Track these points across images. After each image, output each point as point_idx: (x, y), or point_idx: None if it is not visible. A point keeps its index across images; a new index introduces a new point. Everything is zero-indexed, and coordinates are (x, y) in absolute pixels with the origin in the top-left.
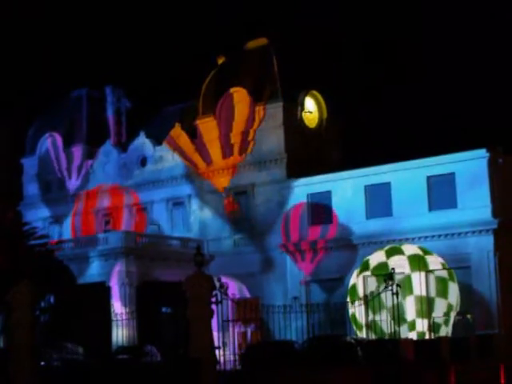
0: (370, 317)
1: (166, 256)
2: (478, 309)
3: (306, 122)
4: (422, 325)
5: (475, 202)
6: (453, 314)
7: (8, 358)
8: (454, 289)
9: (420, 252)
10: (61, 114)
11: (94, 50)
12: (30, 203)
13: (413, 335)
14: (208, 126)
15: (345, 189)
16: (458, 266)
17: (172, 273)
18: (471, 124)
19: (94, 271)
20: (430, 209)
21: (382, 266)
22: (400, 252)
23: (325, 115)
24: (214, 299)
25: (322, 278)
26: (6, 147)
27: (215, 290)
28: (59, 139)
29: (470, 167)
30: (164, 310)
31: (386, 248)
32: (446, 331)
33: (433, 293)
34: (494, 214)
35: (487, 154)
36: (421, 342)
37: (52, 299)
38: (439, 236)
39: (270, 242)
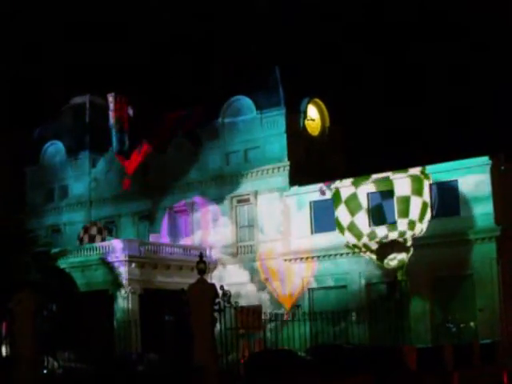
0: (349, 218)
1: (168, 264)
2: (480, 316)
3: (309, 129)
4: (402, 225)
5: (478, 210)
6: (427, 215)
7: (11, 367)
8: (427, 187)
9: None
10: (63, 121)
11: (97, 57)
12: (33, 211)
13: (394, 235)
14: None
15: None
16: (461, 273)
17: (175, 280)
18: (473, 131)
19: (96, 279)
20: (433, 216)
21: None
22: None
23: (327, 123)
24: (216, 307)
25: (325, 285)
26: (9, 155)
27: (218, 298)
28: (62, 147)
29: (472, 175)
30: (167, 317)
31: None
32: (420, 228)
33: (409, 191)
34: (497, 221)
35: (489, 162)
36: (424, 350)
37: (54, 307)
38: (442, 243)
39: (275, 249)
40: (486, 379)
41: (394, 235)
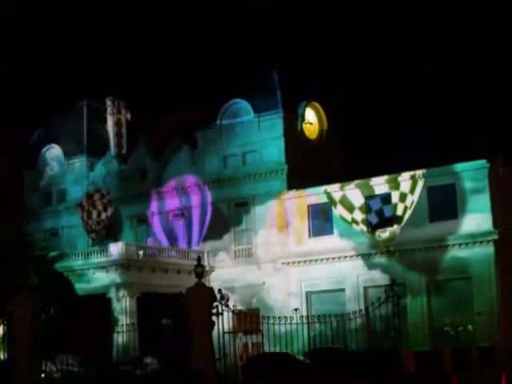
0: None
1: (166, 267)
2: (479, 319)
3: (307, 133)
4: (394, 196)
5: (476, 213)
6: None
7: (9, 370)
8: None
9: None
10: (61, 125)
11: (95, 61)
12: (31, 215)
13: (388, 209)
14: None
15: (342, 201)
16: (459, 276)
17: (173, 284)
18: (471, 135)
19: (94, 283)
20: (431, 220)
21: None
22: None
23: (325, 126)
24: (214, 310)
25: (323, 289)
26: (8, 159)
27: (216, 302)
28: (60, 150)
29: (470, 178)
30: (165, 321)
31: None
32: (411, 199)
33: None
34: (495, 224)
35: (487, 165)
36: (422, 353)
37: (52, 311)
38: (440, 247)
39: (272, 253)
40: (485, 382)
41: (387, 208)
